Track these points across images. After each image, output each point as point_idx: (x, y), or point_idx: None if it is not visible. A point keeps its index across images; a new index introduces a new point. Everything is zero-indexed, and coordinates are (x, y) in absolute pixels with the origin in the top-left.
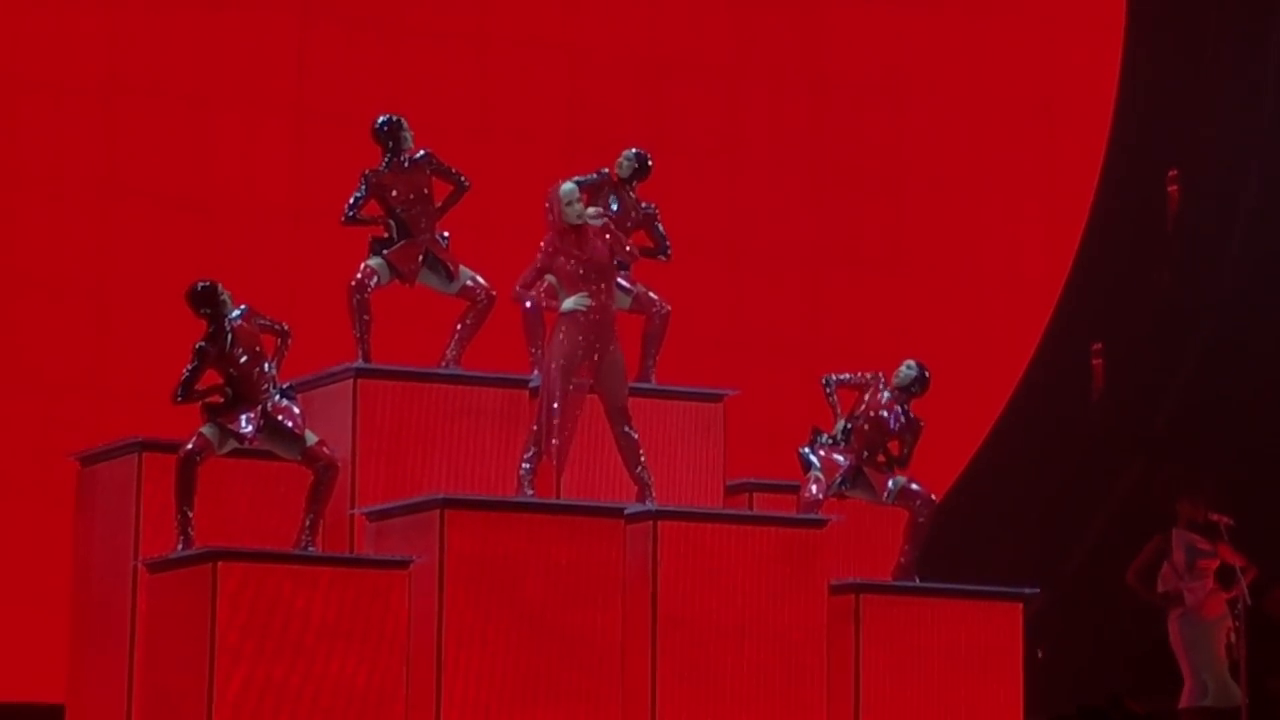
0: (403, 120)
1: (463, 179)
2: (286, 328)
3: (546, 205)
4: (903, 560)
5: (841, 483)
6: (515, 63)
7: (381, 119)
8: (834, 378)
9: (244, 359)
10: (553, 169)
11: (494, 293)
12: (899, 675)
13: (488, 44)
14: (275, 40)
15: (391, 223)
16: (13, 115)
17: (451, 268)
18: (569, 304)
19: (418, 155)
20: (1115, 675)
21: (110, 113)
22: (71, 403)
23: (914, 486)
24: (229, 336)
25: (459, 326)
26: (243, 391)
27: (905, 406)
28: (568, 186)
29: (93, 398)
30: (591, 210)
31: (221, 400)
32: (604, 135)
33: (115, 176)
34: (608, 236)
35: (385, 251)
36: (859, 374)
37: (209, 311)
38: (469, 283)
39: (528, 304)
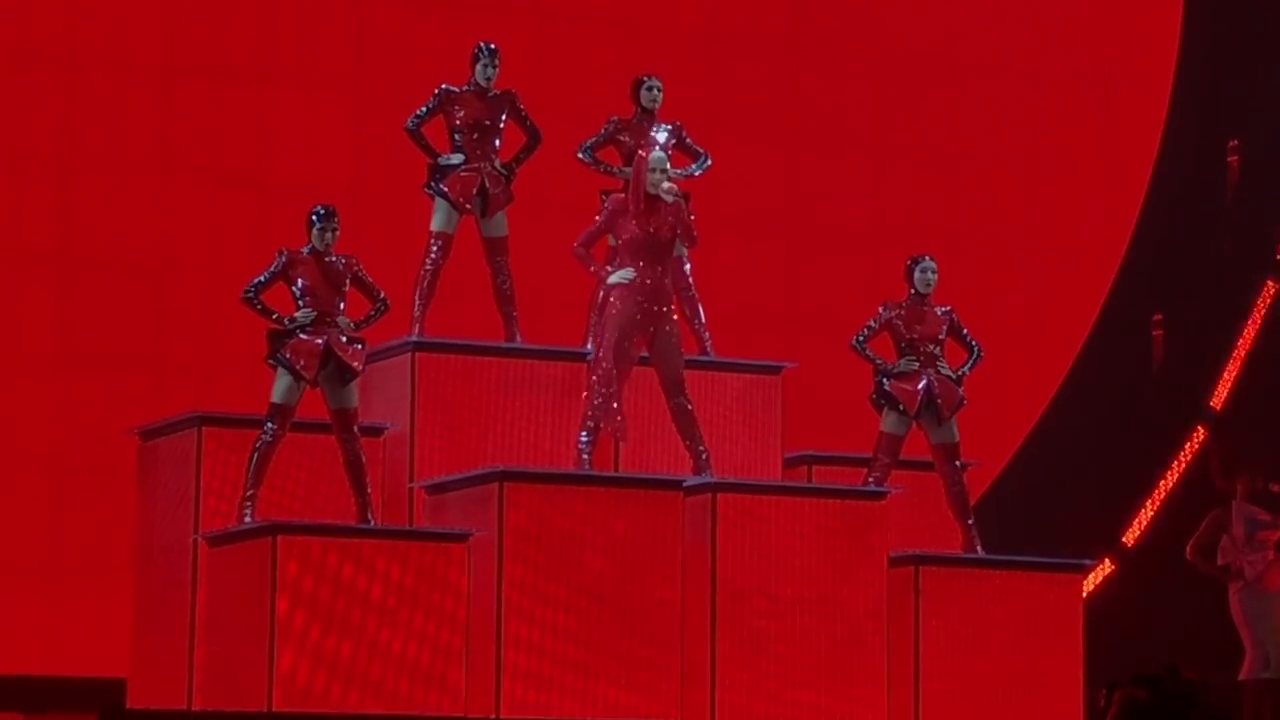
0: (497, 52)
1: (538, 131)
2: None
3: (630, 169)
4: (962, 531)
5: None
6: (572, 37)
7: (481, 44)
8: (860, 338)
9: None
10: None
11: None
12: (959, 647)
13: (544, 18)
14: (333, 16)
15: (454, 147)
16: (73, 93)
17: (498, 202)
18: (616, 276)
19: (501, 92)
20: (1175, 646)
21: (169, 90)
22: (132, 378)
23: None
24: None
25: (506, 310)
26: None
27: (930, 307)
28: (658, 155)
29: (153, 373)
30: (666, 185)
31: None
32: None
33: (174, 154)
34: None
35: (443, 183)
36: (873, 320)
37: None
38: (501, 234)
39: (592, 268)
